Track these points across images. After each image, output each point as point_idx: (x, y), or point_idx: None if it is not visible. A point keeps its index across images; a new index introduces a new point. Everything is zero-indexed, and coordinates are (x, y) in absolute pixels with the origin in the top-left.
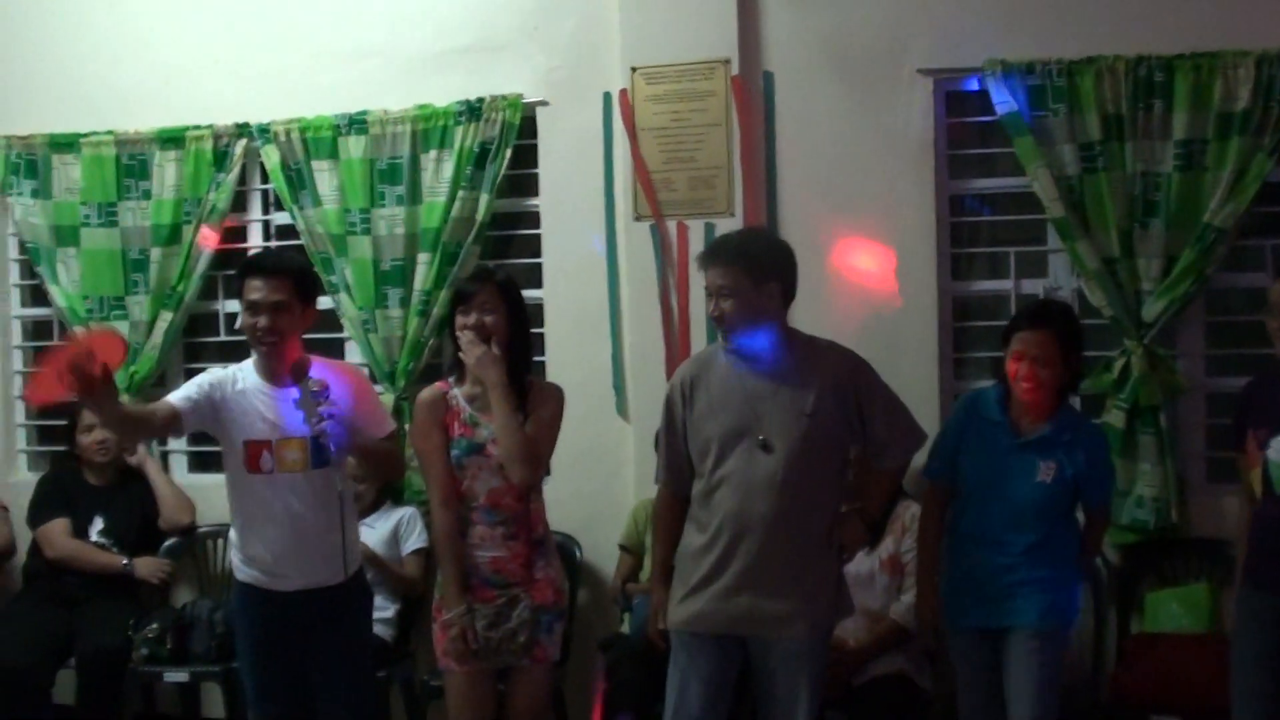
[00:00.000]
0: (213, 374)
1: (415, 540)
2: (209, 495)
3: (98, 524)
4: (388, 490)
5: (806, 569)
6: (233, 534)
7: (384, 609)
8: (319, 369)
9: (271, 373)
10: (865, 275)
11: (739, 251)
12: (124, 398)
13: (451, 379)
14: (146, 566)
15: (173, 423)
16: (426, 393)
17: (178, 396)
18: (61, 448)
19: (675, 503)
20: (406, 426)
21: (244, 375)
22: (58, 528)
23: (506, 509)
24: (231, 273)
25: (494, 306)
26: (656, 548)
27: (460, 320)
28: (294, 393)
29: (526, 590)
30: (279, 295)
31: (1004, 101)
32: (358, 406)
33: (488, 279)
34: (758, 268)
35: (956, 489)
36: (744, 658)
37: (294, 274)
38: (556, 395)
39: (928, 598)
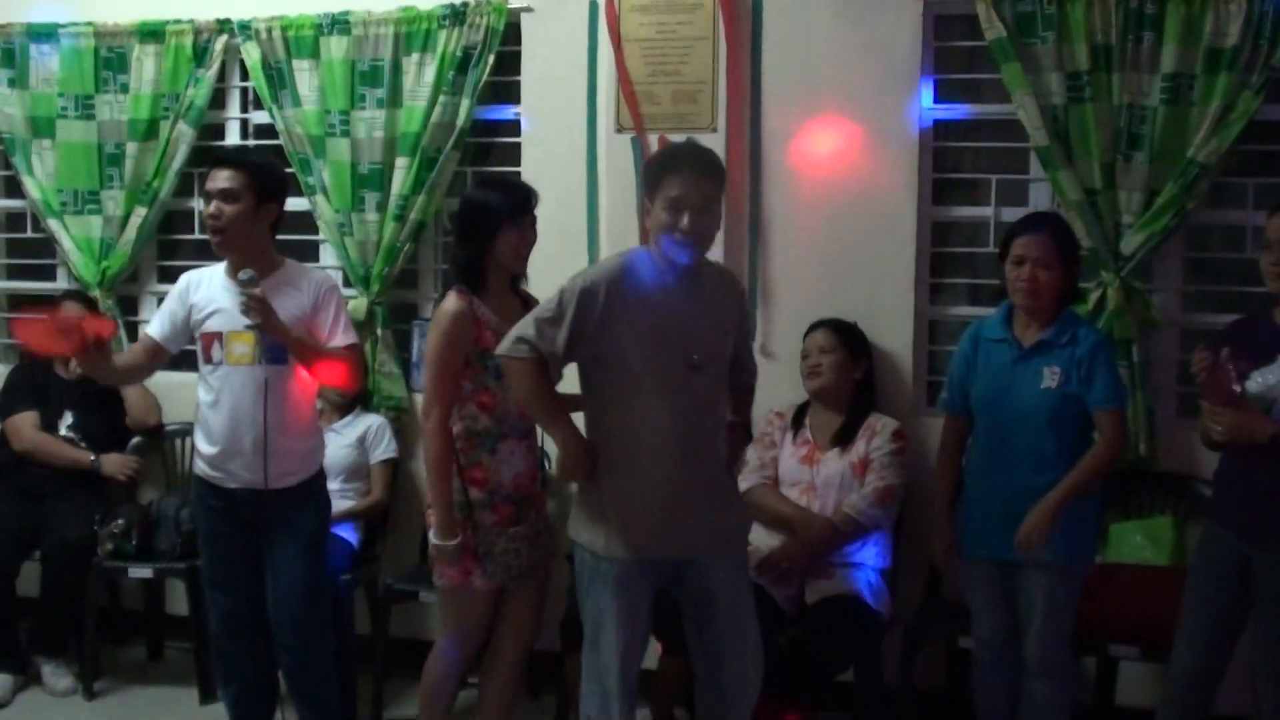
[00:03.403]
0: (182, 282)
1: (384, 450)
2: (175, 394)
3: (67, 419)
4: (359, 396)
5: (730, 483)
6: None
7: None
8: (287, 270)
9: (234, 266)
10: (844, 196)
11: (718, 165)
12: (109, 319)
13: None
14: (113, 463)
15: (158, 356)
16: (453, 304)
17: (155, 328)
18: None
19: (542, 376)
20: (379, 330)
21: (214, 272)
22: (27, 420)
23: (529, 419)
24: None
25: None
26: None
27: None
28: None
29: (537, 504)
30: (230, 184)
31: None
32: (316, 313)
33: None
34: (723, 181)
35: (971, 418)
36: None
37: (250, 167)
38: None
39: (942, 532)
